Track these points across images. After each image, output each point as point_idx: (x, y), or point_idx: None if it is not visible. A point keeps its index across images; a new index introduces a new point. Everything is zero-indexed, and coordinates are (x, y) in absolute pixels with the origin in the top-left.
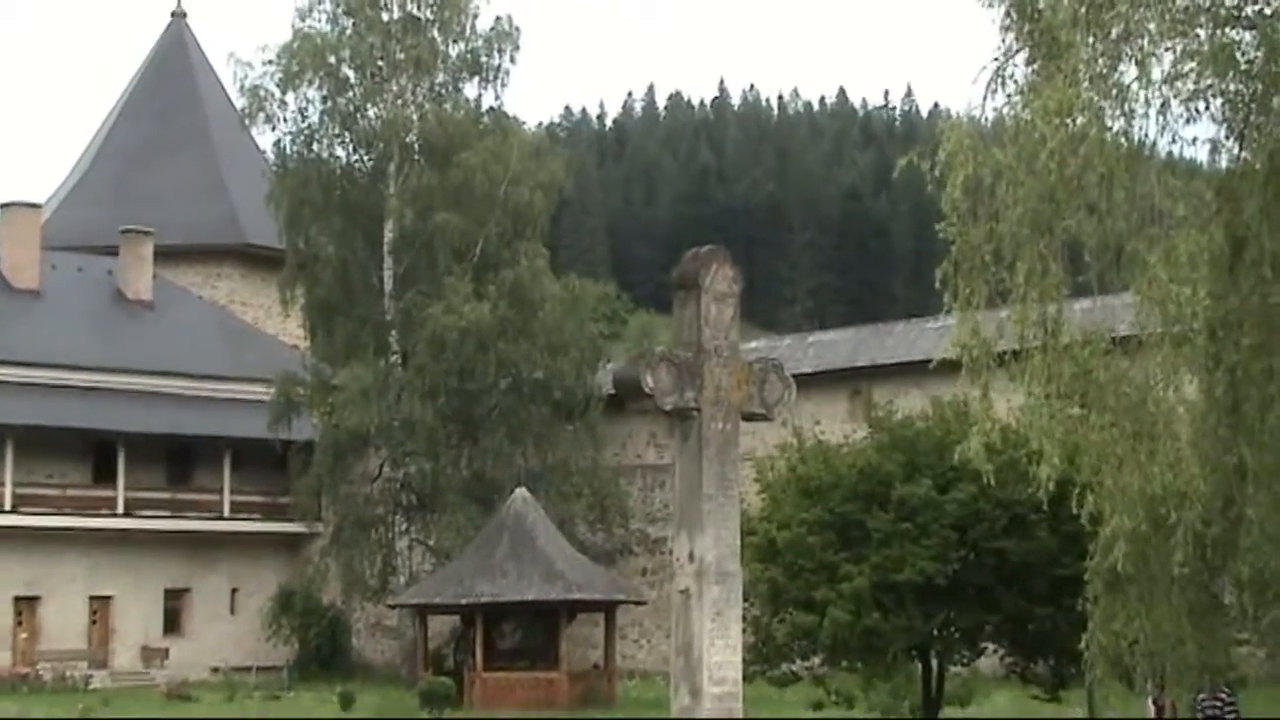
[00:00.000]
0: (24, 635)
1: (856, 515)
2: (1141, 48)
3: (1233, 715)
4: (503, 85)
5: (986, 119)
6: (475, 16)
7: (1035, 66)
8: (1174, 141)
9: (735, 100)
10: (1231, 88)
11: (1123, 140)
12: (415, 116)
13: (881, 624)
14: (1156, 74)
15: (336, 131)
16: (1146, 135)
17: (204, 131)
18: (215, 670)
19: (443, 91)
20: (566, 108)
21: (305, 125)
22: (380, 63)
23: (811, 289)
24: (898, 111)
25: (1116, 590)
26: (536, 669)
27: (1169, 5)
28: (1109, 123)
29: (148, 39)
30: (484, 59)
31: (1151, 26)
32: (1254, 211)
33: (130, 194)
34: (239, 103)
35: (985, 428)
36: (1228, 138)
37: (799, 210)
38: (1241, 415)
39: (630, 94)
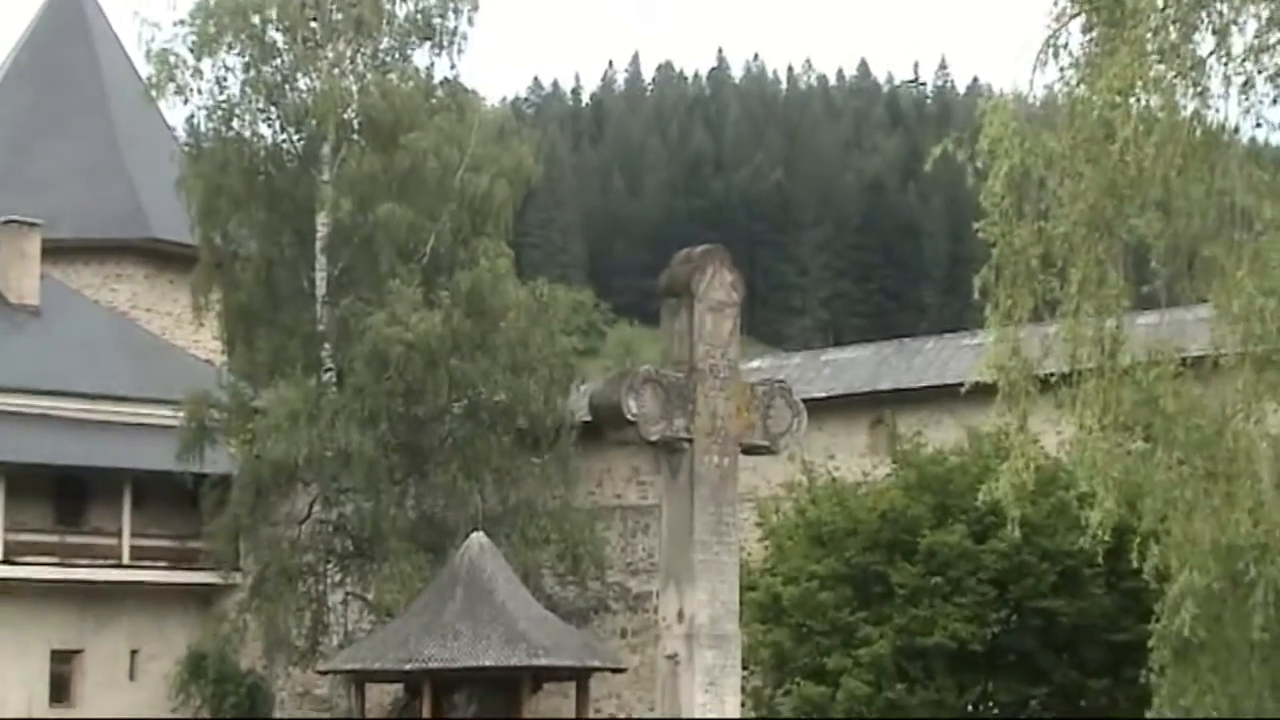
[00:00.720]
0: None
1: (877, 567)
2: (1220, 14)
3: None
4: (459, 52)
5: (1035, 98)
6: None
7: (1094, 35)
8: (1259, 126)
9: (736, 73)
10: None
11: (1197, 124)
12: (354, 89)
13: (906, 698)
14: (1238, 46)
15: (261, 106)
16: (1226, 119)
17: (102, 105)
18: None
19: (387, 59)
20: (535, 80)
21: (223, 98)
22: (313, 24)
23: (825, 298)
24: (929, 88)
25: (1186, 659)
26: None
27: None
28: (1181, 103)
29: None
30: (437, 20)
31: None
32: None
33: (12, 179)
34: (144, 71)
35: (1018, 465)
36: None
37: (811, 205)
38: None
39: (611, 64)
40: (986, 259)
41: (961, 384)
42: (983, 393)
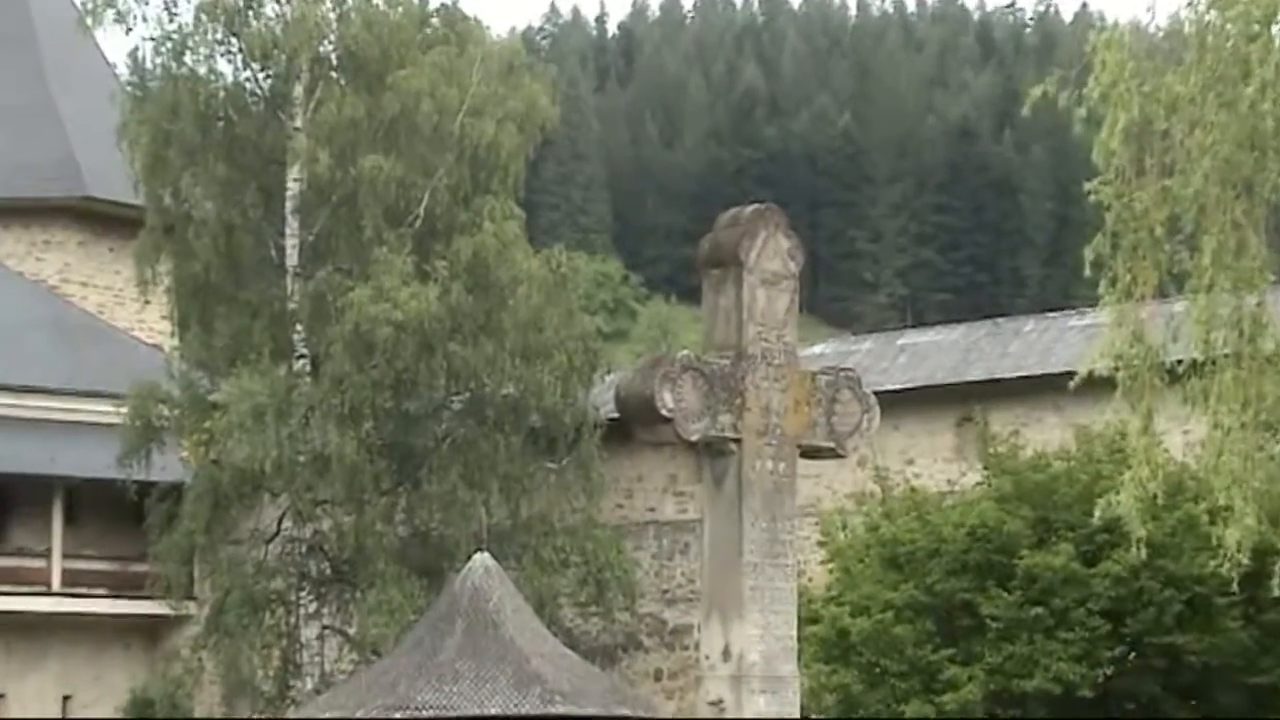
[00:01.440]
0: None
1: (965, 596)
2: None
3: None
4: None
5: (1157, 29)
6: None
7: None
8: None
9: None
10: None
11: None
12: (332, 16)
13: None
14: None
15: (219, 37)
16: None
17: (28, 37)
18: None
19: None
20: (552, 6)
21: (173, 27)
22: None
23: (902, 270)
24: (1028, 15)
25: None
26: None
27: None
28: None
29: None
30: None
31: None
32: None
33: None
34: None
35: (1143, 475)
36: None
37: (886, 157)
38: None
39: None
40: (1100, 224)
41: (1069, 374)
42: (1095, 385)
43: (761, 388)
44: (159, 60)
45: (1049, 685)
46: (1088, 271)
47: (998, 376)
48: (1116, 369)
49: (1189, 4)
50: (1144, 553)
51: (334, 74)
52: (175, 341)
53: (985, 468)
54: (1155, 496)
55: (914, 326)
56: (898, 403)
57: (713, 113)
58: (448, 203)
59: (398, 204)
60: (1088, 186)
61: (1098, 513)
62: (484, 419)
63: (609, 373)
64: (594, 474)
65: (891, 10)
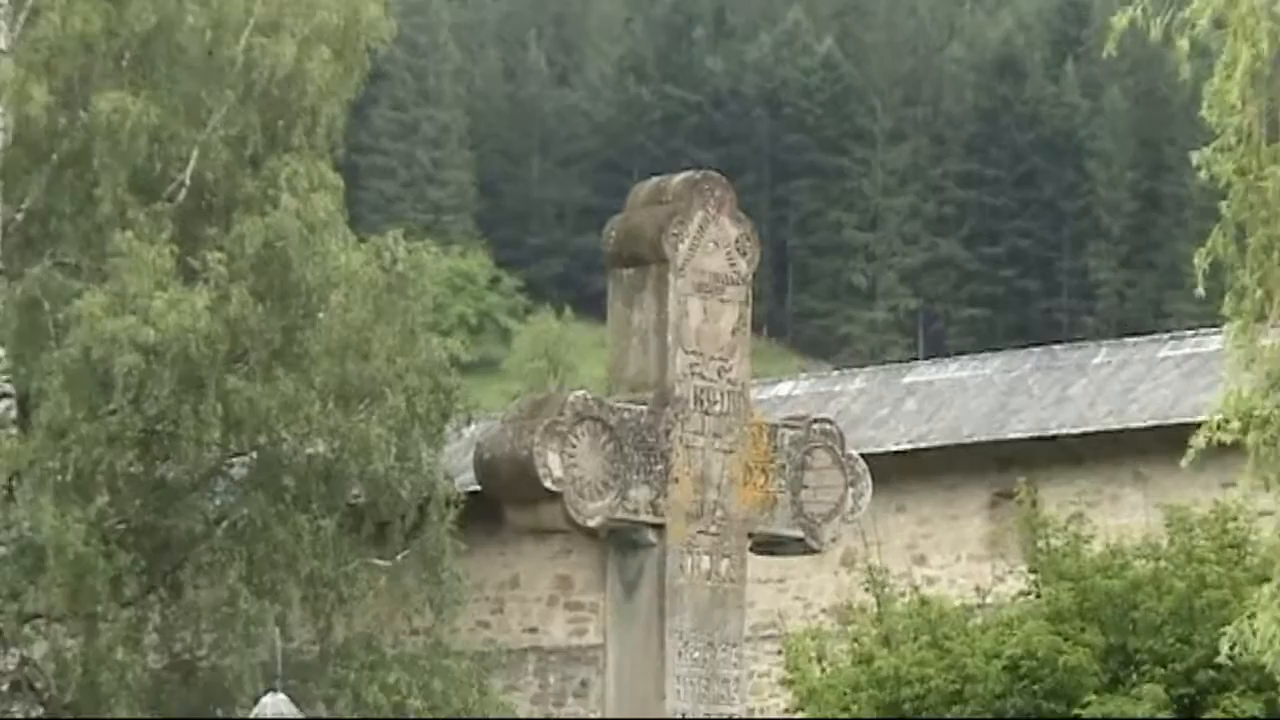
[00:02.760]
0: None
1: None
2: None
3: None
4: None
5: None
6: None
7: None
8: None
9: None
10: None
11: None
12: None
13: None
14: None
15: None
16: None
17: None
18: None
19: None
20: None
21: None
22: None
23: (910, 271)
24: None
25: None
26: None
27: None
28: None
29: None
30: None
31: None
32: None
33: None
34: None
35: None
36: None
37: (887, 102)
38: None
39: None
40: (1214, 212)
41: (1159, 429)
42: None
43: (695, 448)
44: None
45: None
46: (1199, 283)
47: (1051, 432)
48: (1239, 425)
49: None
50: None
51: None
52: None
53: (1032, 570)
54: None
55: (928, 357)
56: (903, 471)
57: (629, 34)
58: (227, 165)
59: (151, 166)
60: (1194, 155)
61: (1225, 646)
62: (279, 492)
63: (470, 423)
64: (445, 576)
65: None
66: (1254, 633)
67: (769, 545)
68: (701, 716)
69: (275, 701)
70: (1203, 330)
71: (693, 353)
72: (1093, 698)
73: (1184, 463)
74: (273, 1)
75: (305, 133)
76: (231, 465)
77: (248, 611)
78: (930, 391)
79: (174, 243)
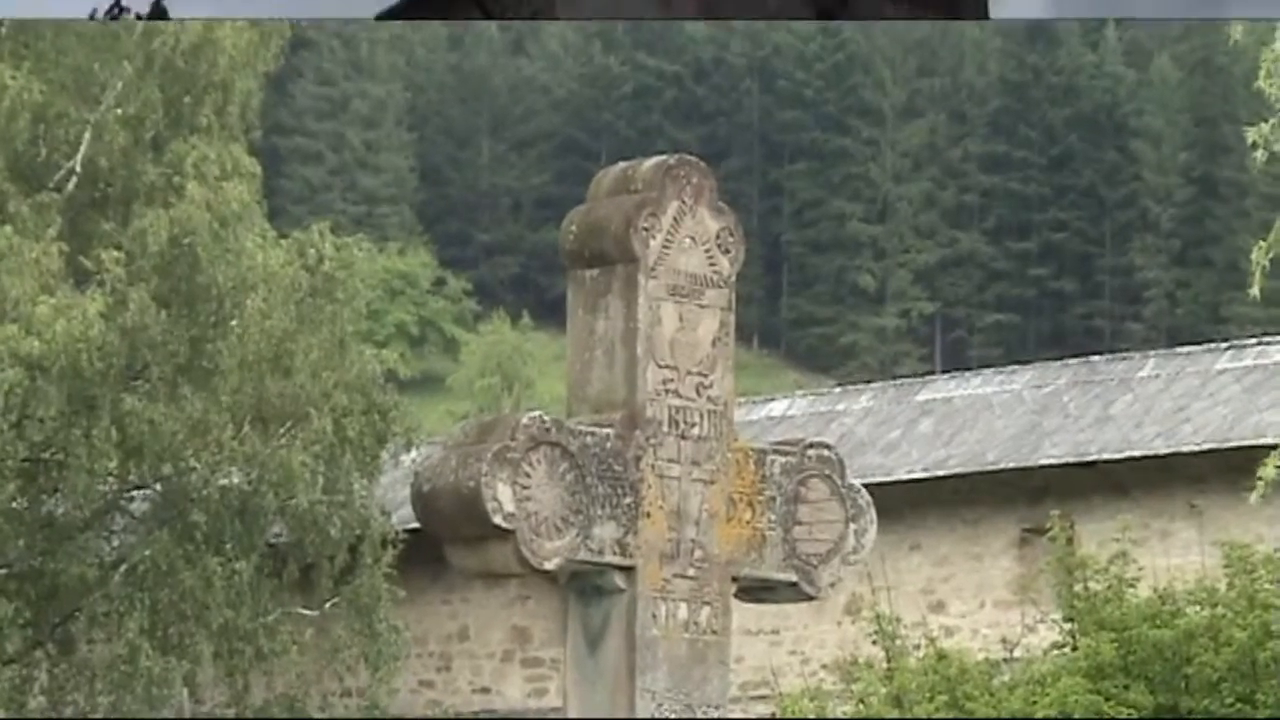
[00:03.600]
0: None
1: None
2: None
3: None
4: None
5: None
6: None
7: None
8: None
9: None
10: None
11: None
12: None
13: None
14: None
15: None
16: None
17: None
18: None
19: None
20: None
21: None
22: None
23: (924, 270)
24: None
25: None
26: None
27: None
28: None
29: None
30: None
31: None
32: None
33: None
34: None
35: None
36: None
37: (898, 72)
38: None
39: None
40: (1278, 199)
41: (1216, 453)
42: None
43: (670, 478)
44: None
45: None
46: (1257, 282)
47: (1090, 458)
48: None
49: None
50: None
51: None
52: None
53: (1068, 618)
54: None
55: (946, 371)
56: (917, 503)
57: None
58: (124, 149)
59: (34, 151)
60: (1249, 131)
61: None
62: (187, 530)
63: (409, 449)
64: (381, 627)
65: None
66: None
67: (757, 591)
68: None
69: None
70: (1266, 338)
71: (666, 367)
72: None
73: (1253, 498)
74: None
75: (215, 111)
76: (130, 499)
77: (150, 669)
78: (949, 411)
79: (62, 239)
